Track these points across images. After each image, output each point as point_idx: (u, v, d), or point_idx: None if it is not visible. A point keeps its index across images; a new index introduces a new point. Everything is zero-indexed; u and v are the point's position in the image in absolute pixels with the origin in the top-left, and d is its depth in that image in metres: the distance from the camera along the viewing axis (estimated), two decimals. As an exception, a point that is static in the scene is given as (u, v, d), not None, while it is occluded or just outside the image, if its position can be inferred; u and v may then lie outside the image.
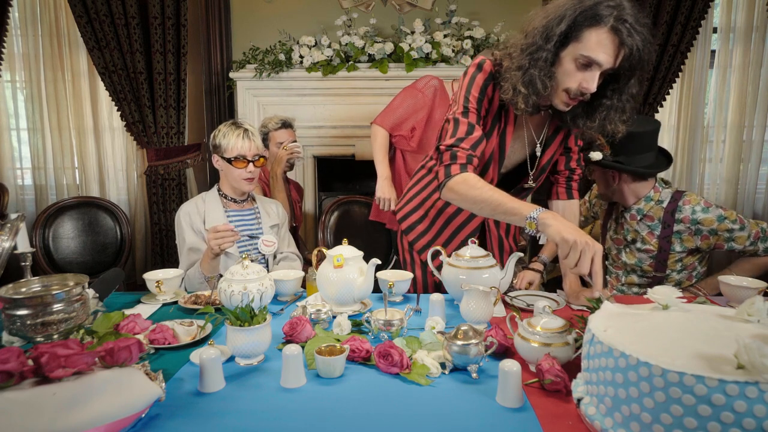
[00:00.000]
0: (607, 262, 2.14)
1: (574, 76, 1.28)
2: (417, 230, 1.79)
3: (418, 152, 2.49)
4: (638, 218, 1.91)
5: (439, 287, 1.70)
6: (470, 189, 1.39)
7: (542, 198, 1.76)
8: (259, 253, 1.88)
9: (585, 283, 2.29)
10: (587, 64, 1.25)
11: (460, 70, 2.60)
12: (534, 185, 1.61)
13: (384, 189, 2.42)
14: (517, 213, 1.30)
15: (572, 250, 1.16)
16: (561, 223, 1.22)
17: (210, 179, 3.58)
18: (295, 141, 2.57)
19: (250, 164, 1.86)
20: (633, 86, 1.33)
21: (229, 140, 1.85)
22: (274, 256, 1.97)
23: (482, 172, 1.56)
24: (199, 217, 1.87)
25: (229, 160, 1.85)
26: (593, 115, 1.38)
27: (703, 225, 1.80)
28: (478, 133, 1.44)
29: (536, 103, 1.36)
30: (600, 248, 1.18)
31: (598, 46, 1.22)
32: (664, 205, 1.86)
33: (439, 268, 1.54)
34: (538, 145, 1.54)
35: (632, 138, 1.81)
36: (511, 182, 1.61)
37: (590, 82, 1.26)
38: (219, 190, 1.95)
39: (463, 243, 1.52)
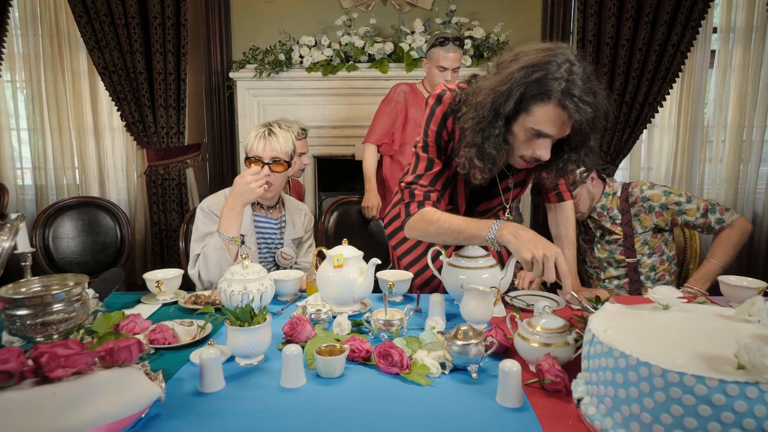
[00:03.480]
0: (586, 266, 2.21)
1: (527, 145, 1.29)
2: (398, 236, 1.77)
3: (401, 153, 2.73)
4: (604, 214, 2.04)
5: (421, 288, 1.69)
6: (428, 225, 1.42)
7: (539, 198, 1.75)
8: (275, 264, 1.86)
9: (584, 282, 2.31)
10: (538, 135, 1.26)
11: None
12: (510, 217, 1.58)
13: (368, 199, 2.74)
14: (477, 236, 1.33)
15: (534, 265, 1.19)
16: (517, 238, 1.23)
17: (210, 179, 3.58)
18: (305, 153, 2.48)
19: (266, 167, 1.72)
20: (591, 140, 1.32)
21: (249, 138, 1.75)
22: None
23: (443, 189, 1.54)
24: None
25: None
26: (552, 167, 1.39)
27: (652, 201, 1.93)
28: (437, 167, 1.46)
29: (492, 170, 1.35)
30: (559, 251, 1.19)
31: (547, 120, 1.22)
32: (618, 195, 2.02)
33: (421, 272, 1.51)
34: (510, 177, 1.53)
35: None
36: (487, 190, 1.59)
37: (543, 150, 1.27)
38: None
39: (439, 253, 1.49)
